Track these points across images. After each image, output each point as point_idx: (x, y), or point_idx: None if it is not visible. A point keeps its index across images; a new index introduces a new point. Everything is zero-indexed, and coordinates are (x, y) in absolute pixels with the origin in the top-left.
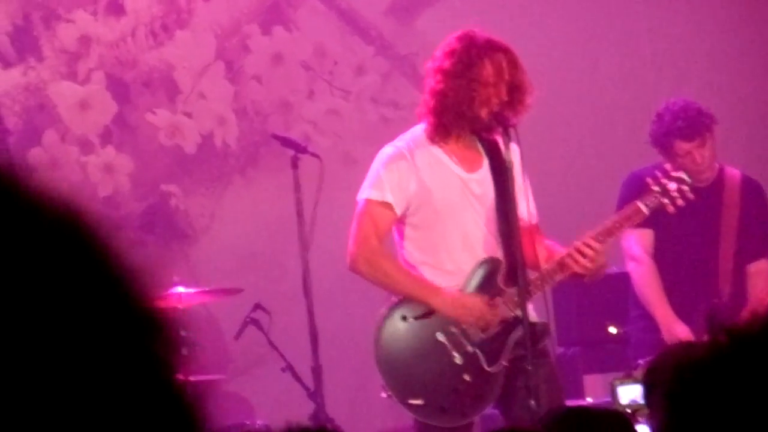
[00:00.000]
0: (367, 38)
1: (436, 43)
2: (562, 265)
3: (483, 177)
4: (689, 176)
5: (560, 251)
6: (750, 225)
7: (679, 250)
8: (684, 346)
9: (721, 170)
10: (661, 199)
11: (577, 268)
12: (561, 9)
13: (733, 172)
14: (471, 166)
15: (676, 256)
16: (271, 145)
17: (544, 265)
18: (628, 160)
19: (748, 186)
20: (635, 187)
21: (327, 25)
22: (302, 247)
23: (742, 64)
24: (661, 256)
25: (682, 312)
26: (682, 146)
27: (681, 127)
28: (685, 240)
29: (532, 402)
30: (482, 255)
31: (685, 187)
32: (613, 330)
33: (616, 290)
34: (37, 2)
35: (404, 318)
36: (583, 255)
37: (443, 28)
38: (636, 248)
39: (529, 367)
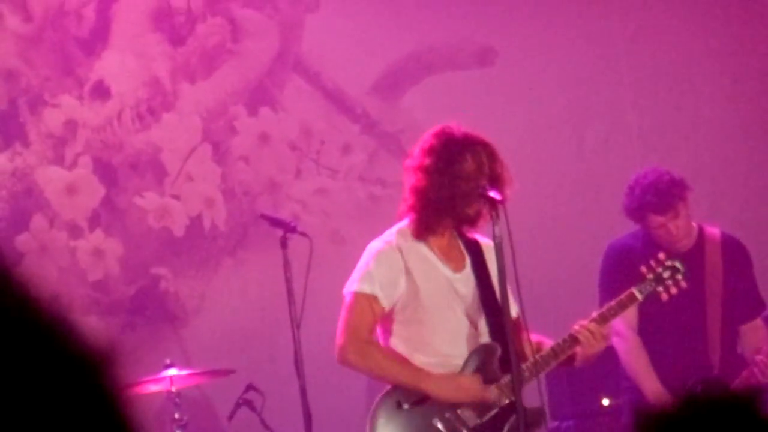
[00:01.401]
0: (352, 117)
1: (421, 120)
2: (563, 347)
3: (467, 277)
4: (680, 265)
5: (549, 342)
6: (736, 287)
7: (665, 322)
8: None
9: (701, 232)
10: (656, 288)
11: (585, 348)
12: (546, 82)
13: (713, 233)
14: (456, 266)
15: (663, 327)
16: (259, 226)
17: (540, 352)
18: (614, 234)
19: (730, 245)
20: (617, 258)
21: (313, 104)
22: (293, 327)
23: (729, 133)
24: (646, 328)
25: (672, 384)
26: (655, 219)
27: (652, 201)
28: (671, 310)
29: None
30: (468, 352)
31: (679, 276)
32: (606, 402)
33: (607, 362)
34: (22, 88)
35: (399, 405)
36: (593, 334)
37: (428, 106)
38: (619, 324)
39: None
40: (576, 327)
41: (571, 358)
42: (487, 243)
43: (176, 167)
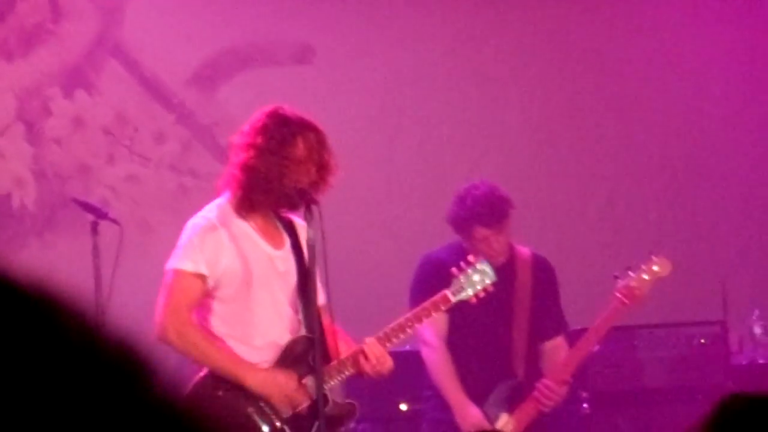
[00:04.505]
0: (168, 106)
1: (235, 114)
2: (349, 362)
3: (286, 255)
4: (489, 268)
5: (350, 343)
6: (542, 304)
7: (474, 333)
8: None
9: (512, 249)
10: (467, 290)
11: (363, 368)
12: (362, 83)
13: (524, 251)
14: (276, 243)
15: (471, 338)
16: (69, 209)
17: (340, 356)
18: (423, 242)
19: (539, 264)
20: (431, 270)
21: (129, 91)
22: (98, 313)
23: (530, 148)
24: (456, 339)
25: (477, 395)
26: (481, 231)
27: (482, 213)
28: (480, 322)
29: None
30: (287, 332)
31: (488, 280)
32: (404, 407)
33: (408, 368)
34: None
35: (214, 390)
36: (366, 358)
37: (244, 100)
38: (428, 333)
39: None
40: (365, 343)
41: (362, 371)
42: (301, 224)
43: None
